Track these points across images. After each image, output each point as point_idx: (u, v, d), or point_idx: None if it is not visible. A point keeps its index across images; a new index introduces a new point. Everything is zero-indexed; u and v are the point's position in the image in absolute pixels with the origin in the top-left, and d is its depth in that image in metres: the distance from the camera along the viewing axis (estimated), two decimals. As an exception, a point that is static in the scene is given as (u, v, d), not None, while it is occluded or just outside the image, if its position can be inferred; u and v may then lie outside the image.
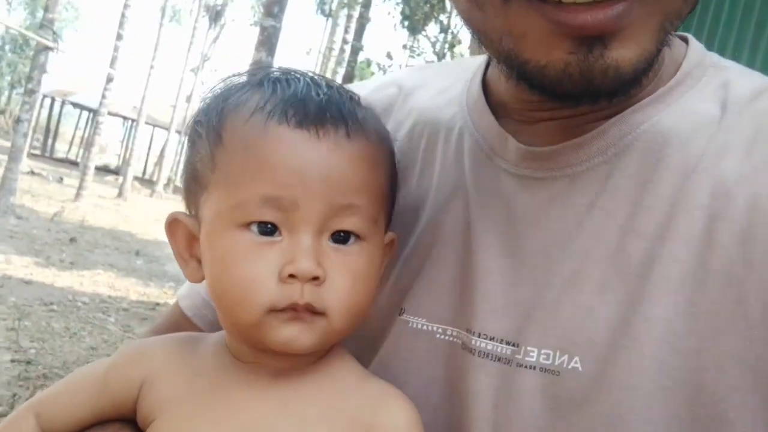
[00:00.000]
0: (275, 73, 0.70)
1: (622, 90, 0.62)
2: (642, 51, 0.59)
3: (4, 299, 6.65)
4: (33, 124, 17.35)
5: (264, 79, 0.69)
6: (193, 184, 0.70)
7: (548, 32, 0.58)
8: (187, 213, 0.73)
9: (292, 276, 0.63)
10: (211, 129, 0.68)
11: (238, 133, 0.65)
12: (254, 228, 0.64)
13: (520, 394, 0.66)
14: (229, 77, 0.74)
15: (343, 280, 0.65)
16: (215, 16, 35.13)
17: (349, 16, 17.89)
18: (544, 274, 0.68)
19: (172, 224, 0.73)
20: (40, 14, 13.78)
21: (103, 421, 0.73)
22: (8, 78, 41.18)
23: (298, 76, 0.69)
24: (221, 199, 0.66)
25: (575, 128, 0.70)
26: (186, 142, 0.73)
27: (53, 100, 34.49)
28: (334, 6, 30.14)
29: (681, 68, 0.71)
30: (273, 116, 0.64)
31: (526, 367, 0.66)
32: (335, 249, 0.66)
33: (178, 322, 0.92)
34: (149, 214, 18.00)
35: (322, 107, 0.65)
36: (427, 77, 0.94)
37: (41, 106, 30.38)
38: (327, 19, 32.74)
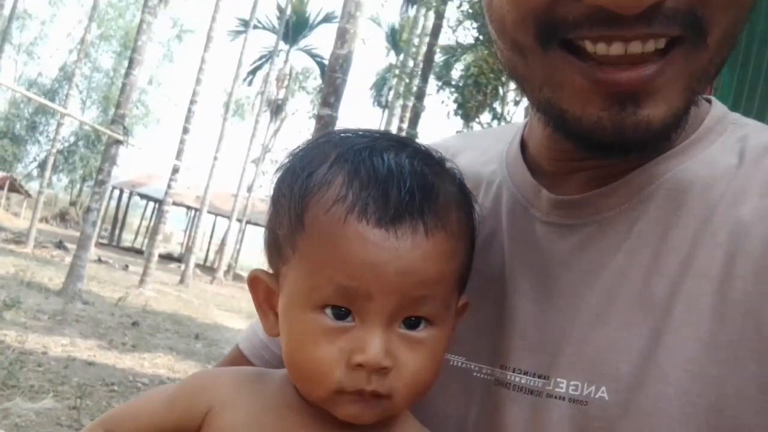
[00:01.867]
0: (363, 143, 0.71)
1: (652, 144, 0.66)
2: (671, 108, 0.63)
3: (68, 380, 6.84)
4: (102, 214, 18.05)
5: (348, 155, 0.70)
6: (275, 252, 0.73)
7: (583, 88, 0.62)
8: (268, 271, 0.76)
9: (360, 365, 0.65)
10: (293, 211, 0.70)
11: (318, 222, 0.67)
12: (328, 311, 0.67)
13: (549, 423, 0.69)
14: (317, 136, 0.77)
15: (410, 367, 0.68)
16: (276, 109, 36.42)
17: (404, 106, 18.36)
18: (573, 311, 0.72)
19: (254, 280, 0.77)
20: (111, 111, 14.61)
21: None
22: (80, 172, 43.10)
23: (384, 152, 0.70)
24: (300, 280, 0.69)
25: (603, 179, 0.75)
26: (270, 202, 0.76)
27: (121, 191, 35.89)
28: (390, 97, 30.95)
29: (703, 124, 0.75)
30: (353, 210, 0.66)
31: (555, 397, 0.70)
32: (405, 336, 0.68)
33: (238, 363, 0.97)
34: (209, 299, 18.30)
35: (402, 204, 0.66)
36: (472, 140, 1.01)
37: (110, 197, 31.62)
38: (383, 110, 33.58)
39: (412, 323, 0.68)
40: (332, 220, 0.66)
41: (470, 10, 13.01)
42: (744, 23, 0.65)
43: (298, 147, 0.76)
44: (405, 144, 0.73)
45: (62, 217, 39.84)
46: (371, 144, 0.72)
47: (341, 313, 0.67)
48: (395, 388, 0.67)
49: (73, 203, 43.90)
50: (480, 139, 1.01)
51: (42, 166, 32.42)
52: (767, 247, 0.63)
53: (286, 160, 0.76)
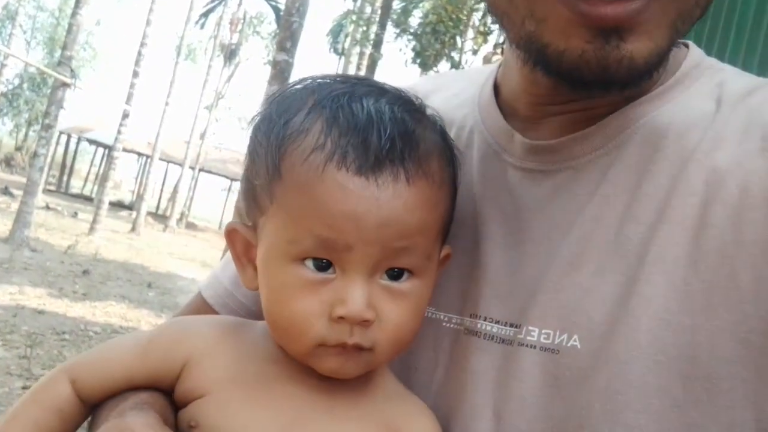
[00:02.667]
0: (341, 89, 0.69)
1: (634, 81, 0.65)
2: (655, 46, 0.62)
3: (17, 328, 6.71)
4: (49, 159, 17.60)
5: (325, 101, 0.67)
6: (252, 203, 0.71)
7: (568, 20, 0.61)
8: (245, 223, 0.74)
9: (342, 318, 0.64)
10: (270, 160, 0.67)
11: (296, 171, 0.65)
12: (309, 263, 0.65)
13: (520, 372, 0.69)
14: (294, 82, 0.74)
15: (393, 319, 0.66)
16: (230, 54, 35.66)
17: (361, 54, 18.14)
18: (546, 258, 0.71)
19: (231, 233, 0.75)
20: (58, 54, 14.12)
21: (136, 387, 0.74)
22: (26, 116, 41.83)
23: (363, 98, 0.68)
24: (278, 231, 0.67)
25: (577, 124, 0.74)
26: (246, 151, 0.73)
27: (69, 136, 34.95)
28: (346, 44, 30.56)
29: (680, 69, 0.75)
30: (331, 158, 0.64)
31: (527, 346, 0.69)
32: (387, 287, 0.66)
33: (202, 312, 0.95)
34: (162, 247, 18.09)
35: (383, 152, 0.64)
36: (441, 83, 0.99)
37: (57, 142, 30.76)
38: (340, 58, 33.18)
39: (394, 274, 0.67)
40: (310, 169, 0.64)
41: None
42: None
43: (275, 94, 0.73)
44: (384, 90, 0.71)
45: (8, 163, 38.74)
46: (350, 90, 0.69)
47: (322, 264, 0.65)
48: (377, 341, 0.66)
49: (18, 148, 42.69)
50: (451, 81, 0.99)
51: (-15, 109, 31.25)
52: (743, 195, 0.63)
53: (263, 108, 0.73)
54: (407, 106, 0.70)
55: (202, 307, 0.96)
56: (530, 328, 0.70)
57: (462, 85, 0.93)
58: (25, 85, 41.01)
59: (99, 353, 0.76)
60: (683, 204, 0.66)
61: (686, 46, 0.78)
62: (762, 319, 0.60)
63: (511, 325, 0.72)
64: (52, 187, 32.55)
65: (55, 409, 0.72)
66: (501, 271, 0.74)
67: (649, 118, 0.72)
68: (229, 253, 0.99)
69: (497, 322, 0.73)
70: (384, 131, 0.65)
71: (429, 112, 0.72)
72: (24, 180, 14.74)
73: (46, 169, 14.33)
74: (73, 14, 13.14)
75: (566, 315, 0.68)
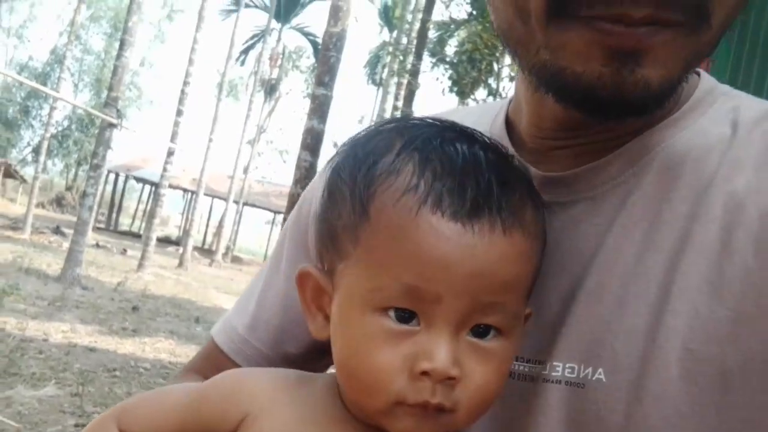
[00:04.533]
0: (431, 132, 0.66)
1: (647, 108, 0.65)
2: (669, 73, 0.62)
3: (69, 366, 6.85)
4: (98, 198, 18.03)
5: (418, 143, 0.64)
6: (330, 246, 0.67)
7: (588, 41, 0.61)
8: (318, 266, 0.70)
9: (425, 373, 0.60)
10: (357, 199, 0.64)
11: (386, 214, 0.61)
12: (391, 314, 0.61)
13: (545, 409, 0.68)
14: (377, 124, 0.71)
15: (478, 379, 0.62)
16: (270, 89, 36.26)
17: (399, 84, 18.26)
18: (567, 292, 0.70)
19: (303, 277, 0.70)
20: (104, 95, 14.56)
21: None
22: (75, 156, 42.95)
23: (455, 142, 0.65)
24: (361, 279, 0.63)
25: (590, 154, 0.73)
26: (324, 190, 0.70)
27: (117, 175, 35.82)
28: (384, 75, 30.81)
29: (694, 96, 0.74)
30: (426, 201, 0.60)
31: (552, 382, 0.68)
32: (473, 344, 0.62)
33: (216, 358, 0.93)
34: (208, 282, 18.34)
35: (480, 198, 0.61)
36: (456, 118, 0.97)
37: (106, 181, 31.56)
38: (378, 88, 33.46)
39: (480, 332, 0.62)
40: (402, 212, 0.60)
41: None
42: (743, 7, 0.65)
43: (357, 134, 0.70)
44: (474, 135, 0.68)
45: (59, 203, 39.79)
46: (440, 133, 0.66)
47: (405, 316, 0.61)
48: (459, 402, 0.62)
49: (69, 188, 43.81)
50: (462, 117, 0.97)
51: (36, 150, 32.33)
52: (765, 220, 0.62)
53: (343, 147, 0.70)
54: (499, 153, 0.67)
55: (215, 354, 0.94)
56: (555, 363, 0.68)
57: (472, 119, 0.90)
58: (73, 126, 42.18)
59: (150, 402, 0.75)
60: (704, 230, 0.65)
61: (697, 74, 0.78)
62: None
63: (536, 362, 0.71)
64: (102, 225, 33.28)
65: None
66: None
67: (666, 145, 0.71)
68: (242, 296, 1.00)
69: (522, 360, 0.72)
70: (481, 177, 0.62)
71: (517, 161, 0.69)
72: (74, 219, 15.12)
73: (95, 207, 14.68)
74: (118, 56, 13.55)
75: (590, 348, 0.67)
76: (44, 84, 36.52)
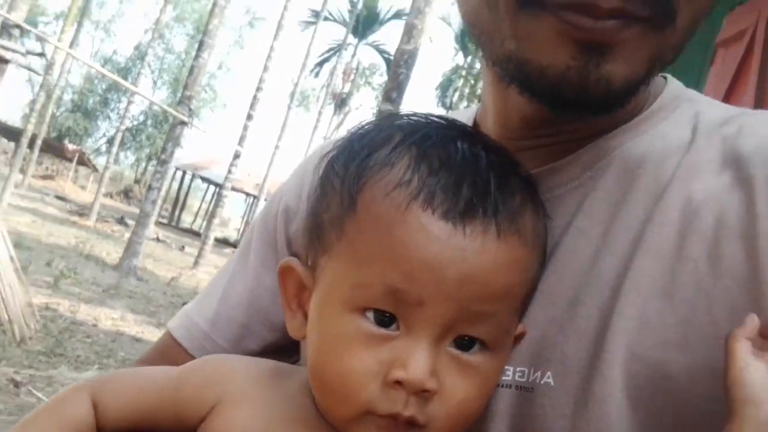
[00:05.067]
0: (432, 129, 0.64)
1: (609, 106, 0.63)
2: (632, 71, 0.60)
3: (114, 353, 6.97)
4: (163, 193, 18.46)
5: (417, 138, 0.62)
6: (316, 239, 0.65)
7: (555, 33, 0.59)
8: (303, 261, 0.67)
9: (399, 383, 0.56)
10: (346, 190, 0.61)
11: (375, 207, 0.58)
12: (370, 315, 0.58)
13: (495, 414, 0.65)
14: (379, 119, 0.68)
15: (456, 395, 0.58)
16: (340, 103, 36.69)
17: (468, 108, 18.17)
18: None
19: (285, 270, 0.67)
20: (180, 93, 14.94)
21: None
22: (147, 150, 44.20)
23: (457, 140, 0.62)
24: (342, 274, 0.60)
25: (552, 156, 0.72)
26: (317, 183, 0.67)
27: (184, 173, 36.66)
28: (454, 99, 30.83)
29: (657, 101, 0.73)
30: (417, 197, 0.57)
31: (502, 386, 0.65)
32: (455, 357, 0.58)
33: (172, 353, 0.90)
34: (260, 286, 18.47)
35: (475, 197, 0.58)
36: None
37: (173, 178, 32.33)
38: (447, 112, 33.48)
39: (464, 344, 0.59)
40: (391, 206, 0.57)
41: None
42: (708, 13, 0.65)
43: (356, 126, 0.67)
44: (480, 135, 0.66)
45: (126, 194, 40.94)
46: (441, 130, 0.63)
47: (385, 319, 0.57)
48: (434, 418, 0.57)
49: (137, 181, 45.09)
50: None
51: (110, 142, 33.33)
52: (719, 227, 0.62)
53: (342, 140, 0.67)
54: (503, 154, 0.64)
55: (173, 349, 0.91)
56: (506, 367, 0.65)
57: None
58: (148, 122, 43.49)
59: (128, 379, 0.71)
60: (658, 234, 0.63)
61: (665, 78, 0.77)
62: None
63: None
64: (164, 220, 34.05)
65: (70, 429, 0.67)
66: None
67: (624, 149, 0.70)
68: (204, 291, 0.96)
69: None
70: (479, 177, 0.59)
71: (522, 169, 0.66)
72: (139, 211, 15.48)
73: (159, 202, 15.01)
74: (196, 56, 13.88)
75: (540, 351, 0.65)
76: (125, 78, 37.73)
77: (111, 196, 38.42)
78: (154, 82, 45.19)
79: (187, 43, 44.12)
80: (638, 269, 0.63)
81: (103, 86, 43.49)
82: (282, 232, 0.89)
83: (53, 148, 34.23)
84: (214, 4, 14.14)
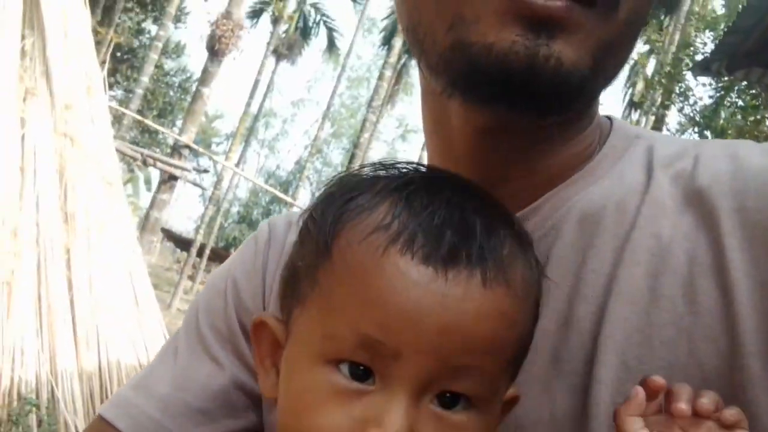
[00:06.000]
0: (417, 175, 0.61)
1: (561, 96, 0.60)
2: (579, 58, 0.59)
3: None
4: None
5: (400, 183, 0.59)
6: (290, 291, 0.61)
7: (502, 13, 0.58)
8: (279, 317, 0.63)
9: None
10: (321, 236, 0.57)
11: (350, 252, 0.54)
12: (344, 368, 0.53)
13: None
14: (364, 167, 0.64)
15: None
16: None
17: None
18: None
19: (258, 327, 0.63)
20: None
21: None
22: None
23: (442, 185, 0.59)
24: (314, 325, 0.56)
25: (510, 207, 0.67)
26: (297, 235, 0.64)
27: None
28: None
29: (607, 143, 0.72)
30: (395, 242, 0.53)
31: None
32: (437, 416, 0.53)
33: None
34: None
35: (459, 241, 0.53)
36: None
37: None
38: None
39: (447, 401, 0.54)
40: (368, 251, 0.53)
41: (692, 115, 12.55)
42: (648, 9, 0.65)
43: (339, 174, 0.65)
44: (471, 185, 0.62)
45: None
46: (427, 176, 0.61)
47: (360, 372, 0.53)
48: None
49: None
50: None
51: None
52: (692, 263, 0.61)
53: (324, 189, 0.63)
54: (494, 205, 0.60)
55: None
56: None
57: None
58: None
59: None
60: (630, 276, 0.62)
61: (609, 119, 0.76)
62: (730, 396, 0.56)
63: None
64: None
65: None
66: None
67: (582, 195, 0.68)
68: (142, 371, 0.85)
69: None
70: (464, 222, 0.55)
71: (517, 224, 0.61)
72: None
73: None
74: (347, 168, 14.56)
75: (525, 413, 0.63)
76: (286, 191, 40.02)
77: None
78: (312, 194, 47.40)
79: (344, 156, 46.36)
80: (613, 315, 0.62)
81: (267, 198, 46.25)
82: (232, 308, 0.82)
83: (220, 256, 36.26)
84: (365, 119, 14.96)
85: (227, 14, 17.49)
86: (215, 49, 17.13)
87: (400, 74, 29.48)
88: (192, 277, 24.55)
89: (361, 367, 0.53)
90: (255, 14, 27.54)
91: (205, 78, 17.68)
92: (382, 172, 0.62)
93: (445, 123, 0.69)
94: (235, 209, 45.88)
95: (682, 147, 0.71)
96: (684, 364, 0.58)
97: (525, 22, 0.57)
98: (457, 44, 0.60)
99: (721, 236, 0.61)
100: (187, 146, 10.82)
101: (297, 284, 0.59)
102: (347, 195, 0.59)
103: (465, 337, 0.52)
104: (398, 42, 16.36)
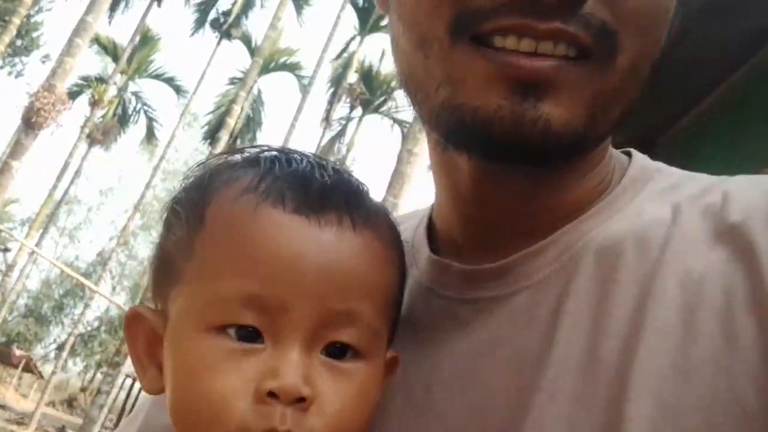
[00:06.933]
0: (275, 152, 0.63)
1: (551, 154, 0.60)
2: (572, 116, 0.58)
3: None
4: (110, 401, 17.59)
5: (260, 155, 0.62)
6: (163, 276, 0.61)
7: (487, 76, 0.58)
8: (153, 308, 0.63)
9: (272, 395, 0.52)
10: (192, 208, 0.59)
11: (223, 214, 0.57)
12: (231, 332, 0.54)
13: None
14: (222, 153, 0.66)
15: (333, 403, 0.55)
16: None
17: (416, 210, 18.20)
18: (520, 393, 0.62)
19: (133, 319, 0.62)
20: (139, 298, 14.68)
21: None
22: (97, 357, 42.85)
23: (301, 156, 0.62)
24: (195, 295, 0.56)
25: (519, 243, 0.68)
26: (161, 228, 0.64)
27: (134, 381, 35.31)
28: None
29: (626, 176, 0.71)
30: (267, 197, 0.56)
31: None
32: (328, 365, 0.56)
33: None
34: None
35: (326, 190, 0.58)
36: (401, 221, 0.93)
37: (121, 386, 31.09)
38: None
39: (336, 351, 0.57)
40: (241, 209, 0.56)
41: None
42: (652, 59, 0.63)
43: (201, 162, 0.66)
44: (327, 162, 0.64)
45: (70, 403, 39.10)
46: (284, 150, 0.63)
47: (248, 334, 0.54)
48: (314, 431, 0.54)
49: (83, 389, 43.21)
50: (403, 221, 0.86)
51: (60, 348, 32.34)
52: (729, 298, 0.58)
53: (183, 181, 0.64)
54: (351, 178, 0.64)
55: None
56: None
57: (408, 224, 0.83)
58: (102, 328, 42.59)
59: None
60: (661, 310, 0.59)
61: (629, 154, 0.75)
62: None
63: None
64: (108, 431, 32.24)
65: None
66: (463, 416, 0.64)
67: (601, 229, 0.67)
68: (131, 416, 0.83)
69: None
70: (328, 175, 0.59)
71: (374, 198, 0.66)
72: (81, 422, 14.67)
73: (105, 410, 14.26)
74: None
75: None
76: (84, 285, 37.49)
77: (54, 405, 36.61)
78: (114, 288, 44.92)
79: (151, 250, 44.60)
80: (645, 350, 0.58)
81: (60, 291, 43.06)
82: None
83: (1, 353, 33.05)
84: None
85: (50, 87, 16.32)
86: (32, 122, 15.90)
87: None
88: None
89: (249, 329, 0.54)
90: (72, 95, 26.21)
91: (16, 150, 16.32)
92: (237, 155, 0.64)
93: (450, 165, 0.69)
94: (22, 301, 42.25)
95: (707, 182, 0.70)
96: (724, 402, 0.55)
97: (512, 84, 0.58)
98: (446, 103, 0.61)
99: (760, 272, 0.58)
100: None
101: (171, 265, 0.59)
102: (213, 171, 0.61)
103: (343, 278, 0.55)
104: (224, 136, 16.13)
